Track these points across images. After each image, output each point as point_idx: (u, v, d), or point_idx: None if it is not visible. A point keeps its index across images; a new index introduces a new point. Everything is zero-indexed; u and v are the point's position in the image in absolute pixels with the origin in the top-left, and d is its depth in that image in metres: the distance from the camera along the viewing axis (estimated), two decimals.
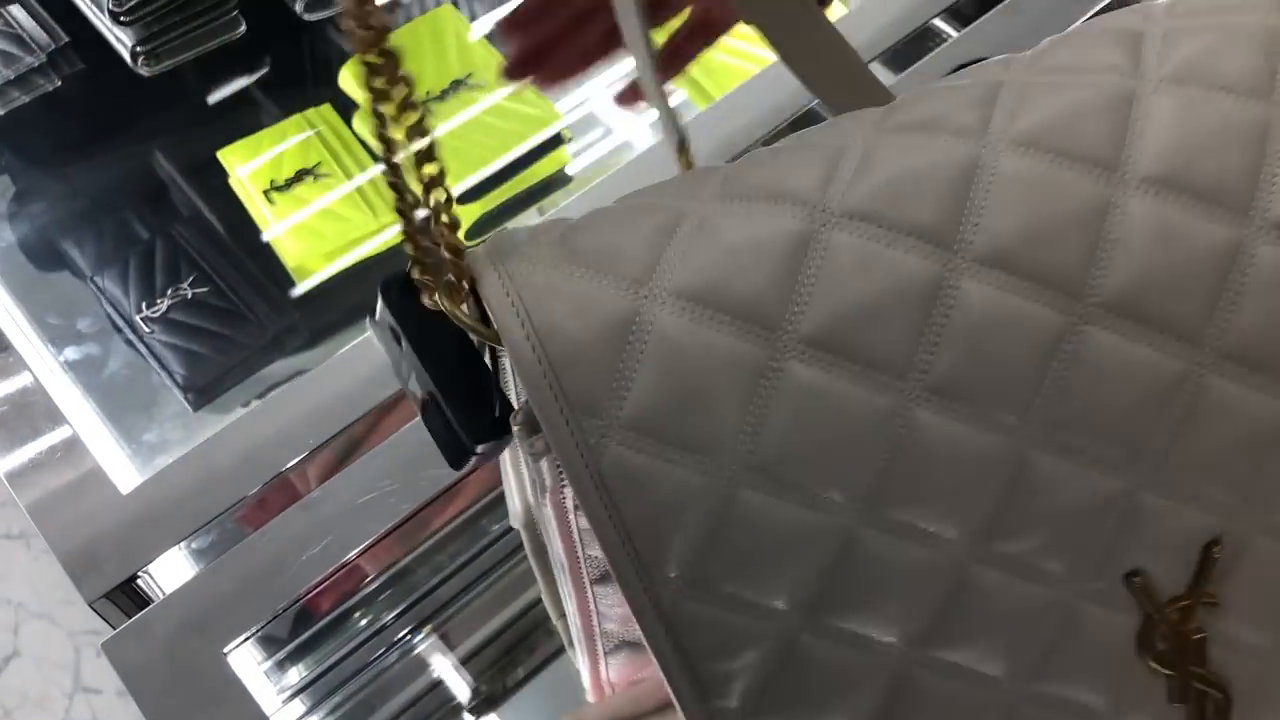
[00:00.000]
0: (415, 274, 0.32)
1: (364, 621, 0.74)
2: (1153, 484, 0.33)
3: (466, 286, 0.32)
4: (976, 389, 0.31)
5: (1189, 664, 0.34)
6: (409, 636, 0.75)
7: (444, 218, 0.32)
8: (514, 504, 0.47)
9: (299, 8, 0.97)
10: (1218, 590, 0.34)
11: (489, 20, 1.02)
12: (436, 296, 0.32)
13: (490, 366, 0.36)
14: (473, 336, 0.33)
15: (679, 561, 0.31)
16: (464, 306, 0.33)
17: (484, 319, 0.33)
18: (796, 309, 0.31)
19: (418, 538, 0.70)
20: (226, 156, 0.90)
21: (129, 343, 0.84)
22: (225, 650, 0.61)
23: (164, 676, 0.60)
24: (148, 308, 0.85)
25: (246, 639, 0.62)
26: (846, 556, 0.31)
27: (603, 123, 0.94)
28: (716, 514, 0.31)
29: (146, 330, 0.84)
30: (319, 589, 0.65)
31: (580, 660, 0.47)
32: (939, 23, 0.81)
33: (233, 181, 0.90)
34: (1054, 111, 0.33)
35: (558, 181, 0.91)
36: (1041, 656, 0.34)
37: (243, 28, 0.99)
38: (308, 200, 0.87)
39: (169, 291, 0.85)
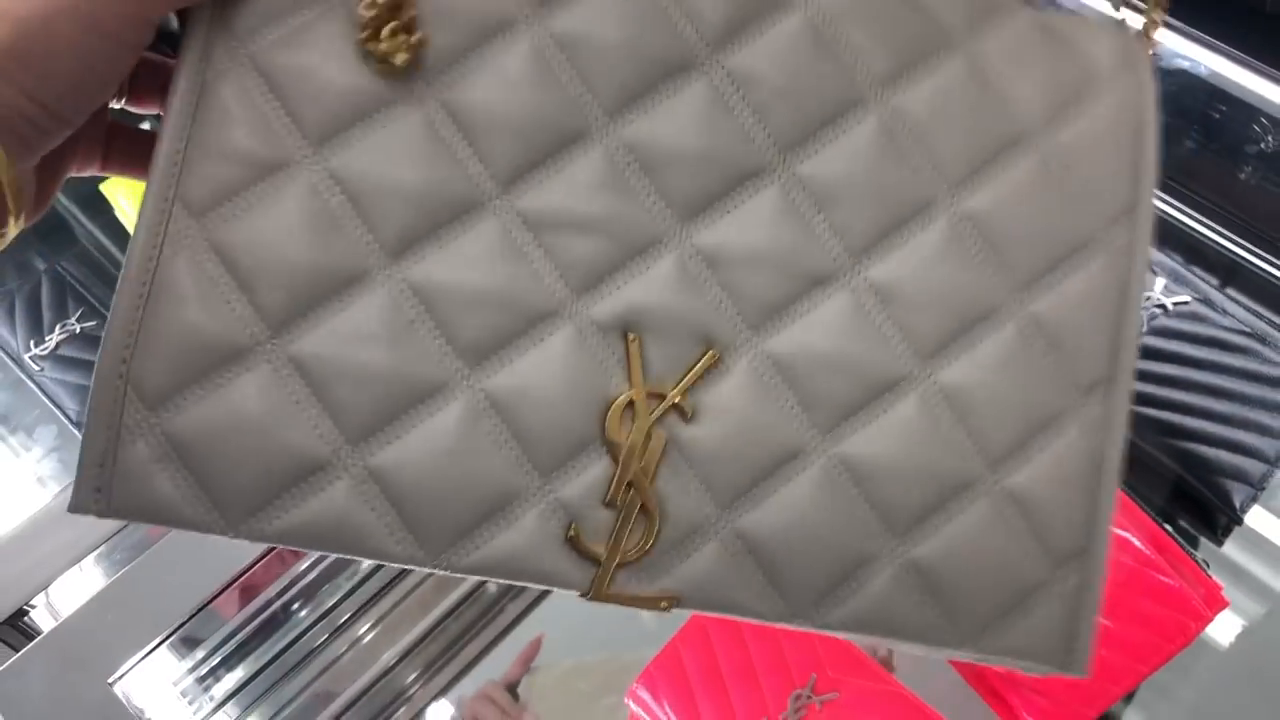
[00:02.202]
0: None
1: (304, 612, 0.74)
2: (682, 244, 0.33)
3: None
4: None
5: (637, 465, 0.32)
6: (352, 625, 0.75)
7: None
8: None
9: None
10: (696, 403, 0.32)
11: None
12: None
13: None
14: None
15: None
16: None
17: None
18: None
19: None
20: (110, 189, 0.90)
21: (19, 381, 0.84)
22: (110, 680, 0.61)
23: (46, 714, 0.60)
24: (36, 345, 0.85)
25: (132, 667, 0.62)
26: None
27: None
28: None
29: (36, 369, 0.84)
30: (217, 600, 0.65)
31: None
32: None
33: (118, 213, 0.90)
34: None
35: None
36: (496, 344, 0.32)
37: None
38: None
39: (57, 328, 0.86)
